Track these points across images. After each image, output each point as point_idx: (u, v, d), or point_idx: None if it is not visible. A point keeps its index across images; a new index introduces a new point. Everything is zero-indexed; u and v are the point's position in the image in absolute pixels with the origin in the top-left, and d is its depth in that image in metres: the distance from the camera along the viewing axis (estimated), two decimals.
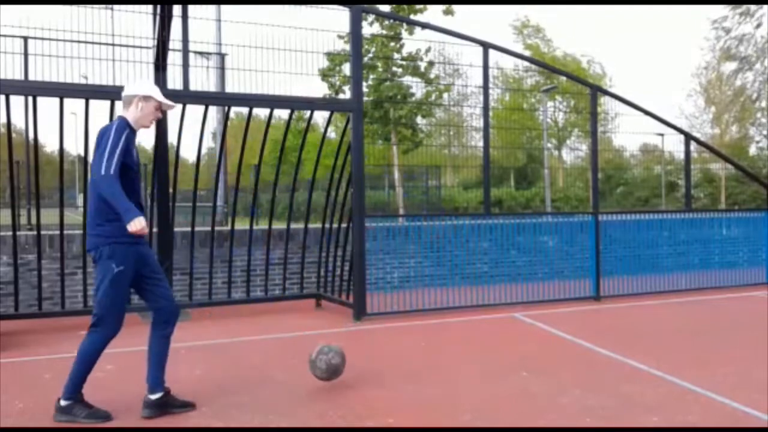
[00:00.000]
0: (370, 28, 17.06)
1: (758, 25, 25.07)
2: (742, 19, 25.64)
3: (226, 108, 6.79)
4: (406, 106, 17.27)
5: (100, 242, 3.59)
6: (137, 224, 3.41)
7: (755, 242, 9.32)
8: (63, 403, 3.64)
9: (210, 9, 12.88)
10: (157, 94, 3.85)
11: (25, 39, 6.11)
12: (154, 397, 3.74)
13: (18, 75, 5.87)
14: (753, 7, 24.93)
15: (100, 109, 6.28)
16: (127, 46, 6.16)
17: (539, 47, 28.47)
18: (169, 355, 3.94)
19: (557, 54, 28.20)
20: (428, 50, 17.41)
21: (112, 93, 5.90)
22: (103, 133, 3.60)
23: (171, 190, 6.97)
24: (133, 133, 3.72)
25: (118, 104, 6.02)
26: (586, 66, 28.59)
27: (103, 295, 3.59)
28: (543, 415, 3.68)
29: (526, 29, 28.98)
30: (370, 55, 17.18)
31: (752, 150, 29.16)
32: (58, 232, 6.46)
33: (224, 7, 12.40)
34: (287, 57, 6.47)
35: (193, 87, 6.37)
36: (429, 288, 7.50)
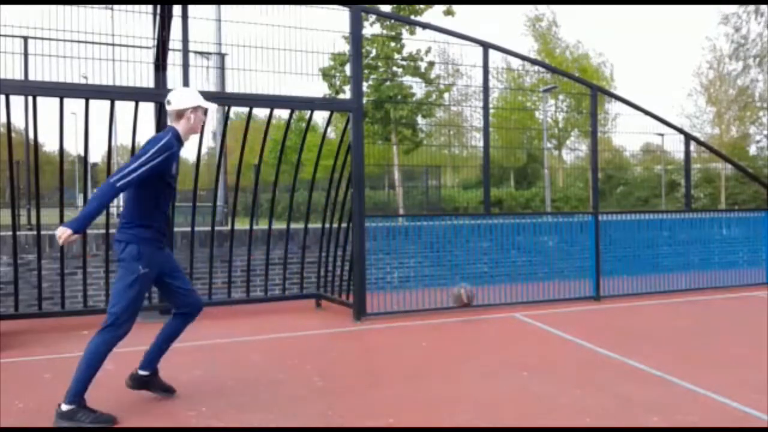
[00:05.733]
0: (370, 28, 17.09)
1: None
2: (749, 18, 25.67)
3: (226, 108, 6.79)
4: (407, 106, 17.29)
5: (130, 241, 3.63)
6: (67, 235, 3.30)
7: (755, 242, 9.32)
8: (65, 408, 3.48)
9: (210, 9, 12.87)
10: (203, 101, 3.91)
11: (25, 39, 6.12)
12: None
13: (18, 75, 5.87)
14: (763, 6, 24.94)
15: (100, 109, 6.29)
16: (127, 46, 6.16)
17: (548, 43, 27.94)
18: (169, 353, 3.94)
19: (567, 55, 27.84)
20: (429, 50, 17.47)
21: (112, 93, 5.90)
22: (149, 142, 3.62)
23: None
24: (180, 147, 3.79)
25: (119, 104, 6.08)
26: (597, 66, 28.24)
27: (123, 294, 3.58)
28: (543, 415, 3.69)
29: (540, 23, 28.39)
30: (371, 55, 17.20)
31: (752, 150, 29.18)
32: None
33: (224, 7, 12.39)
34: (287, 57, 6.47)
35: (193, 87, 6.37)
36: (429, 288, 7.50)
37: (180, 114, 3.82)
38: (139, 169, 3.47)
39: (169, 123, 3.86)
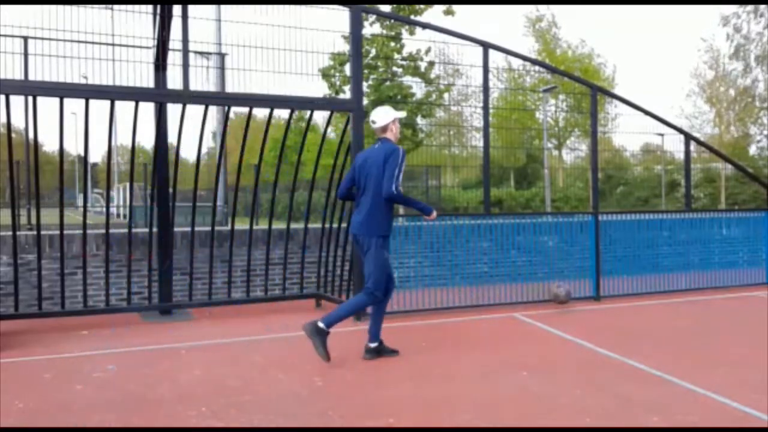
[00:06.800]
0: (370, 28, 17.09)
1: None
2: (749, 18, 25.68)
3: (226, 108, 6.79)
4: (407, 106, 17.27)
5: (375, 233, 4.80)
6: (435, 214, 4.95)
7: (755, 242, 9.32)
8: (321, 324, 4.68)
9: (210, 9, 12.87)
10: (397, 112, 5.02)
11: (25, 39, 6.11)
12: (372, 345, 4.97)
13: (18, 75, 5.87)
14: (762, 7, 24.95)
15: (100, 109, 6.29)
16: (127, 46, 6.16)
17: (549, 43, 27.92)
18: (169, 353, 3.92)
19: (569, 54, 27.80)
20: (428, 50, 17.45)
21: (112, 93, 5.91)
22: (389, 154, 4.78)
23: (171, 190, 6.97)
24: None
25: (119, 104, 6.08)
26: (597, 67, 28.21)
27: (375, 272, 4.81)
28: (543, 415, 3.69)
29: (540, 23, 28.38)
30: (371, 55, 17.19)
31: (752, 150, 29.18)
32: (58, 232, 6.46)
33: (224, 7, 12.39)
34: (287, 57, 6.47)
35: (193, 87, 6.37)
36: (429, 288, 7.50)
37: (385, 128, 5.00)
38: (400, 174, 4.77)
39: (379, 137, 5.02)
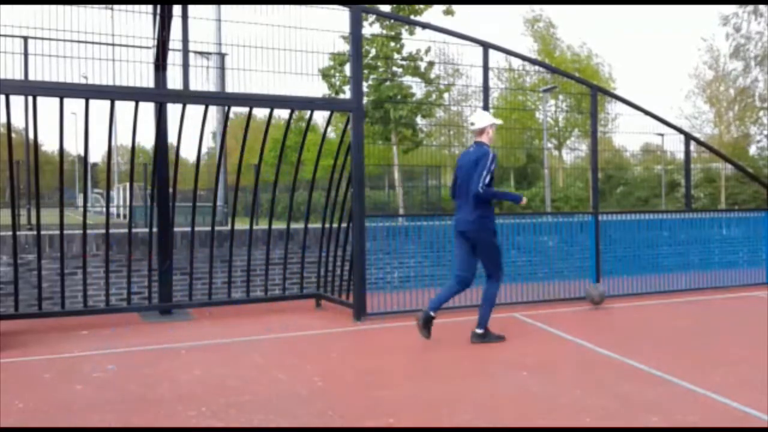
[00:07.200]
0: (370, 28, 17.08)
1: None
2: (749, 18, 25.68)
3: (226, 108, 6.78)
4: (407, 106, 17.27)
5: (484, 227, 5.40)
6: (525, 200, 5.67)
7: (755, 242, 9.31)
8: (479, 331, 5.48)
9: (210, 9, 12.87)
10: (494, 119, 5.58)
11: (25, 39, 6.11)
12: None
13: (18, 75, 5.86)
14: (762, 7, 24.95)
15: (100, 109, 6.29)
16: (127, 46, 6.16)
17: (549, 42, 27.96)
18: (169, 353, 3.92)
19: (567, 55, 27.79)
20: (428, 50, 17.45)
21: (112, 93, 5.90)
22: (481, 157, 5.34)
23: (171, 190, 6.97)
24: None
25: (119, 104, 6.08)
26: (595, 67, 28.22)
27: (493, 259, 5.51)
28: (543, 415, 3.69)
29: (537, 24, 28.43)
30: (371, 55, 17.18)
31: (752, 150, 29.18)
32: (58, 232, 6.46)
33: (224, 7, 12.40)
34: (287, 57, 6.47)
35: (193, 87, 6.37)
36: (429, 288, 7.48)
37: (482, 131, 5.52)
38: (488, 175, 5.27)
39: (475, 140, 5.54)
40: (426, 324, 5.39)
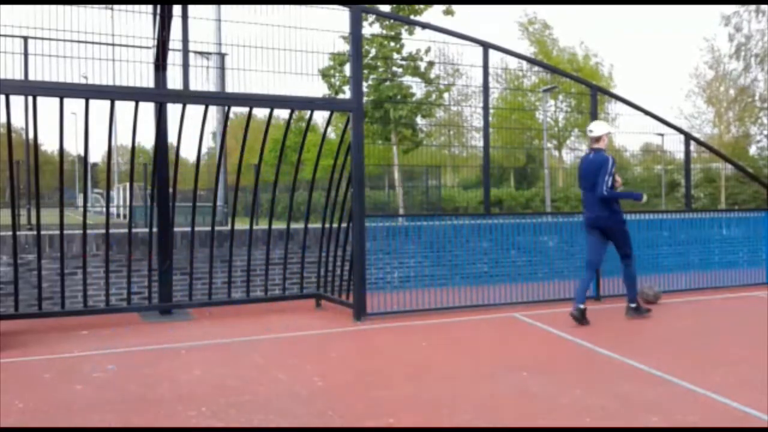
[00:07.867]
0: (370, 28, 17.09)
1: None
2: (750, 17, 25.67)
3: (226, 108, 6.78)
4: (406, 106, 17.27)
5: (614, 220, 6.36)
6: (644, 197, 6.50)
7: (755, 242, 9.31)
8: (632, 305, 6.44)
9: (210, 9, 12.88)
10: (610, 128, 6.53)
11: (25, 39, 6.11)
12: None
13: (18, 75, 5.86)
14: (763, 6, 24.93)
15: (100, 109, 6.29)
16: (127, 46, 6.16)
17: (546, 44, 27.99)
18: (169, 353, 3.91)
19: (564, 55, 27.80)
20: (428, 50, 17.45)
21: (112, 93, 5.90)
22: (602, 164, 6.20)
23: (171, 190, 6.97)
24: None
25: (119, 104, 6.08)
26: (594, 67, 28.22)
27: (627, 240, 6.48)
28: (543, 415, 3.69)
29: (533, 26, 28.49)
30: (371, 55, 17.19)
31: (752, 150, 29.16)
32: (58, 232, 6.46)
33: (224, 7, 12.39)
34: (287, 57, 6.47)
35: (193, 87, 6.37)
36: (429, 288, 7.49)
37: (599, 138, 6.35)
38: (609, 178, 6.16)
39: (593, 146, 6.40)
40: (581, 316, 6.06)
